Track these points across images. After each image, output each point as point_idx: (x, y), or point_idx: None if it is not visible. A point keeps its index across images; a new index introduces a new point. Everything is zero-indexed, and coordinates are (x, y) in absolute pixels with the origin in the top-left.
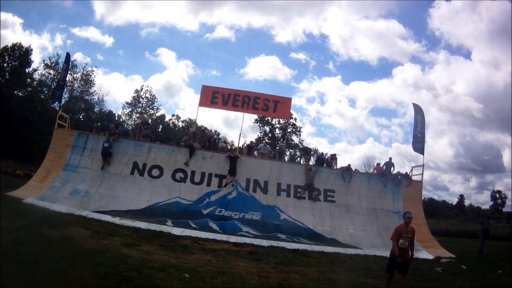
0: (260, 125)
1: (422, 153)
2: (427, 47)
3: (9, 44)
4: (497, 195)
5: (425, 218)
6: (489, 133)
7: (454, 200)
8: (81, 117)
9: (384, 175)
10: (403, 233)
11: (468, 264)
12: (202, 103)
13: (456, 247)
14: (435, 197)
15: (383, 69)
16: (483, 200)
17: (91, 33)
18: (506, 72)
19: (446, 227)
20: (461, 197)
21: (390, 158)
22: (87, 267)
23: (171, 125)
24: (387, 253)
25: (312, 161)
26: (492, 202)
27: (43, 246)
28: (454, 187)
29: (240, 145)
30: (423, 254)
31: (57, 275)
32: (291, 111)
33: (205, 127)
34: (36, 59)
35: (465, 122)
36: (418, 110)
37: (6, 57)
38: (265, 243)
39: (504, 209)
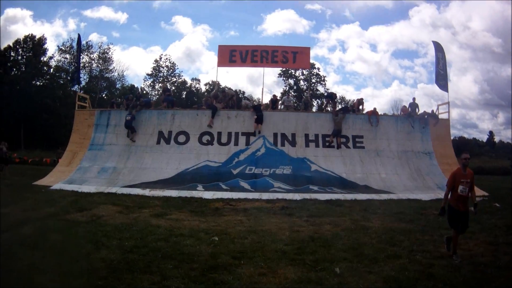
0: (284, 78)
1: (446, 90)
2: None
3: (21, 37)
4: None
5: (455, 157)
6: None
7: (484, 137)
8: (104, 95)
9: (410, 116)
10: (461, 178)
11: (502, 202)
12: (221, 63)
13: (488, 185)
14: (465, 135)
15: (399, 11)
16: None
17: (104, 12)
18: None
19: (479, 165)
20: (491, 134)
21: (414, 99)
22: (114, 244)
23: (194, 90)
24: (420, 196)
25: (338, 107)
26: None
27: (70, 231)
28: (483, 124)
29: (266, 101)
30: None
31: (82, 259)
32: (313, 61)
33: (228, 87)
34: (53, 47)
35: (487, 58)
36: (438, 48)
37: (20, 50)
38: (297, 196)
39: None
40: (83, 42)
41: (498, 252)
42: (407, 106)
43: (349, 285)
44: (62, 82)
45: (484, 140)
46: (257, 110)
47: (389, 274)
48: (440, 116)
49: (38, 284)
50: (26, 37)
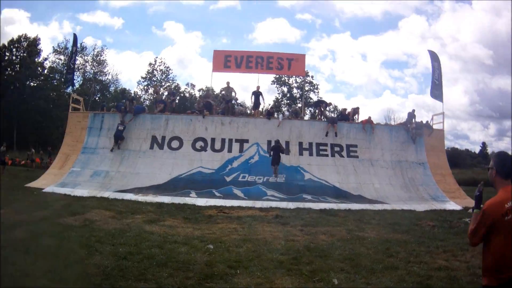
0: (277, 86)
1: (441, 100)
2: None
3: (15, 37)
4: None
5: (449, 168)
6: (501, 78)
7: (476, 149)
8: (97, 98)
9: (406, 126)
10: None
11: None
12: (216, 68)
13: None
14: (457, 147)
15: (387, 22)
16: (504, 147)
17: (99, 17)
18: (507, 18)
19: (472, 176)
20: (484, 145)
21: (414, 110)
22: (107, 250)
23: (187, 95)
24: (414, 206)
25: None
26: None
27: (63, 235)
28: (474, 135)
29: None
30: (450, 205)
31: (76, 265)
32: (307, 69)
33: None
34: (48, 49)
35: (477, 69)
36: (434, 57)
37: (14, 50)
38: (291, 205)
39: None
40: (78, 44)
41: None
42: (406, 117)
43: None
44: (56, 83)
45: (477, 151)
46: (256, 97)
47: (387, 285)
48: (434, 127)
49: None
50: (20, 36)
